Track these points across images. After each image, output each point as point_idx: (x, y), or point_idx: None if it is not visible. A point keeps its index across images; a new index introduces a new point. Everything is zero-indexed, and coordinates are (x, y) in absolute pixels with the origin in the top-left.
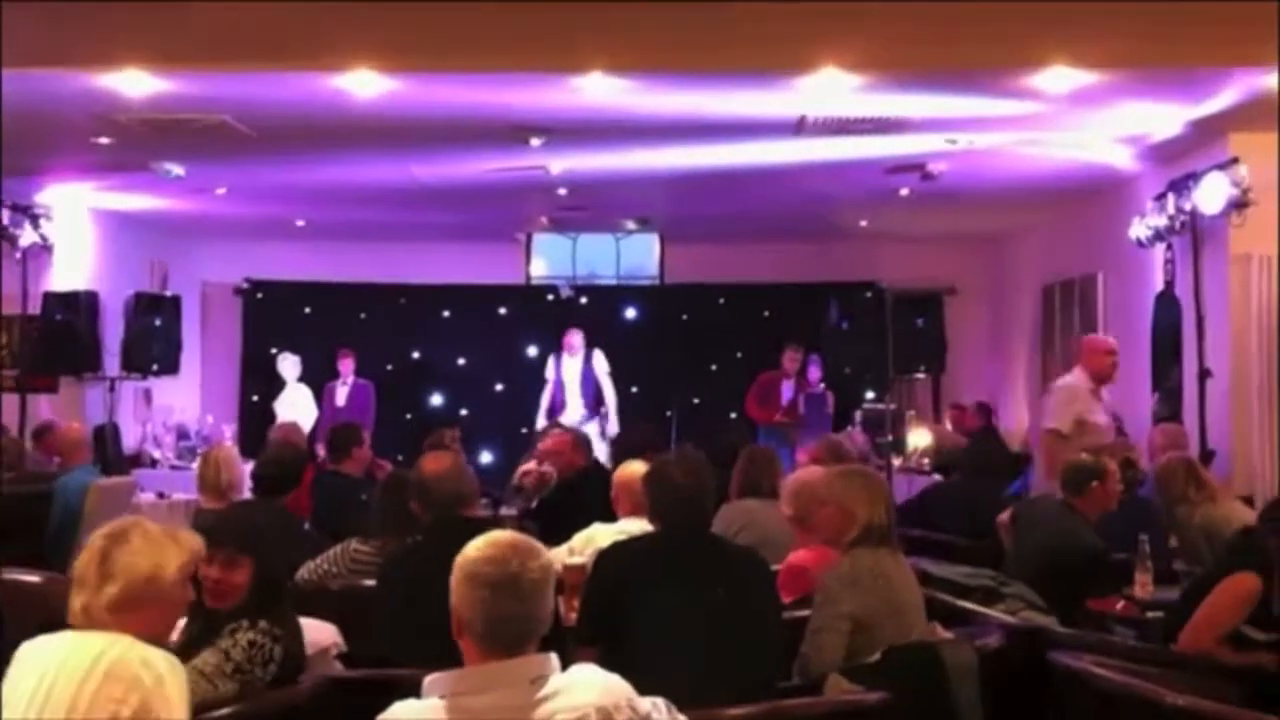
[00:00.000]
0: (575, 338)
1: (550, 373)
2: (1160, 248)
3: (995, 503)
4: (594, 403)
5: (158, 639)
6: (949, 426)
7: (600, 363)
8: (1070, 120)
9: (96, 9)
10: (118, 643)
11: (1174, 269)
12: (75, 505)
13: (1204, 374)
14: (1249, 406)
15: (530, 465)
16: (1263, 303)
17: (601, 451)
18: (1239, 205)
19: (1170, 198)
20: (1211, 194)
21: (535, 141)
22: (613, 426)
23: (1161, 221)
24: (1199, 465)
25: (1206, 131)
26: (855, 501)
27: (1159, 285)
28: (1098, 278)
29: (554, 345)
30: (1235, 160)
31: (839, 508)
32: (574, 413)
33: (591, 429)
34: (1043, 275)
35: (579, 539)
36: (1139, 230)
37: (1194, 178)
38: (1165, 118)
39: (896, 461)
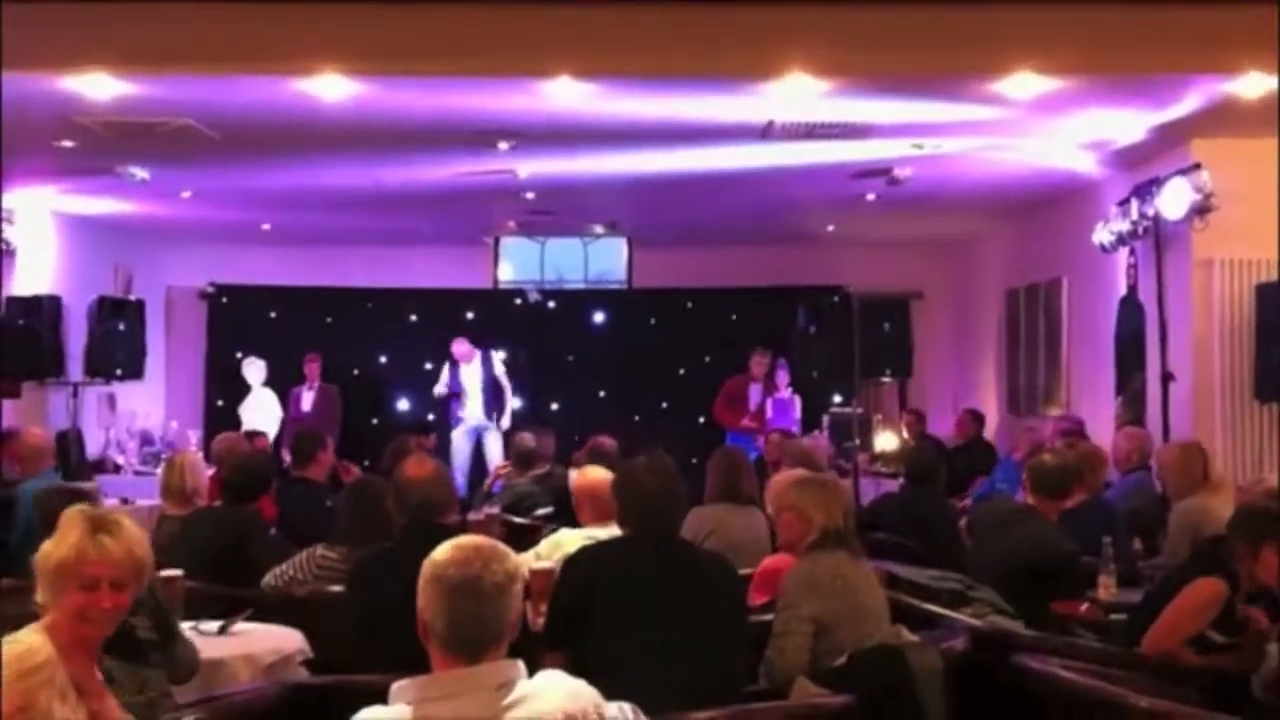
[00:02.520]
0: (463, 346)
1: (445, 382)
2: (1124, 252)
3: (940, 509)
4: (493, 404)
5: None
6: (904, 433)
7: (497, 363)
8: (1035, 126)
9: (58, 11)
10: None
11: (1137, 273)
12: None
13: (1167, 378)
14: (1211, 410)
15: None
16: (1225, 307)
17: (496, 449)
18: (1201, 210)
19: (1133, 203)
20: (1174, 199)
21: (503, 145)
22: (507, 422)
23: (1125, 226)
24: (1206, 452)
25: (1169, 137)
26: (812, 508)
27: (1122, 290)
28: (1062, 282)
29: (523, 349)
30: (1197, 166)
31: (796, 514)
32: (473, 417)
33: (491, 432)
34: (1008, 279)
35: (546, 544)
36: (1103, 235)
37: (1157, 183)
38: (1128, 124)
39: (864, 465)
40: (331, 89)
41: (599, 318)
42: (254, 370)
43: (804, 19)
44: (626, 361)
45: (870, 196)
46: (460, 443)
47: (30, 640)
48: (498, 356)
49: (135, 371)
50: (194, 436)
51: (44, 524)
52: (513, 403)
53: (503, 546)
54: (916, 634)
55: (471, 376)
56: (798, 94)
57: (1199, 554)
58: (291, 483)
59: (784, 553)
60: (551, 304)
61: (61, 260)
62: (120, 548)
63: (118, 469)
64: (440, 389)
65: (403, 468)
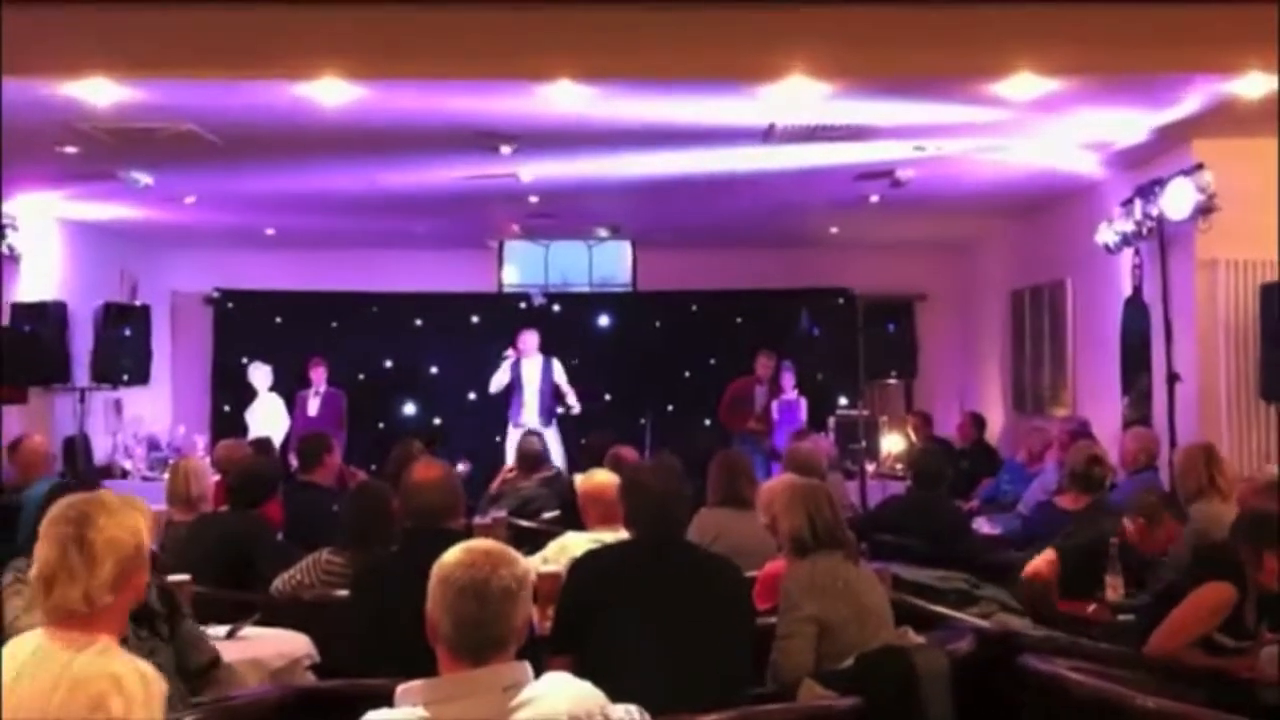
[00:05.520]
0: (530, 339)
1: (506, 375)
2: (1128, 253)
3: (946, 511)
4: (550, 408)
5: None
6: (911, 435)
7: (558, 370)
8: (1036, 127)
9: (59, 16)
10: (87, 650)
11: (1141, 274)
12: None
13: (1172, 378)
14: (1217, 410)
15: (506, 473)
16: (1229, 307)
17: (558, 456)
18: (1205, 210)
19: (1137, 203)
20: (1177, 199)
21: (505, 149)
22: (574, 403)
23: (1129, 227)
24: (1218, 454)
25: (1171, 138)
26: (797, 512)
27: (1127, 290)
28: (1066, 283)
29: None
30: (1200, 166)
31: (783, 519)
32: (530, 416)
33: (550, 435)
34: (1012, 281)
35: (553, 547)
36: (1106, 236)
37: (1160, 184)
38: (1130, 124)
39: (870, 467)
40: (332, 93)
41: (604, 321)
42: (260, 375)
43: (804, 21)
44: (631, 364)
45: (873, 198)
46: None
47: (128, 658)
48: (558, 365)
49: (141, 377)
50: (201, 441)
51: None
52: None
53: (512, 551)
54: (923, 635)
55: (531, 372)
56: (799, 96)
57: (1209, 557)
58: (298, 487)
59: (784, 557)
60: (556, 307)
61: (66, 266)
62: None
63: (125, 474)
64: (498, 383)
65: (410, 471)
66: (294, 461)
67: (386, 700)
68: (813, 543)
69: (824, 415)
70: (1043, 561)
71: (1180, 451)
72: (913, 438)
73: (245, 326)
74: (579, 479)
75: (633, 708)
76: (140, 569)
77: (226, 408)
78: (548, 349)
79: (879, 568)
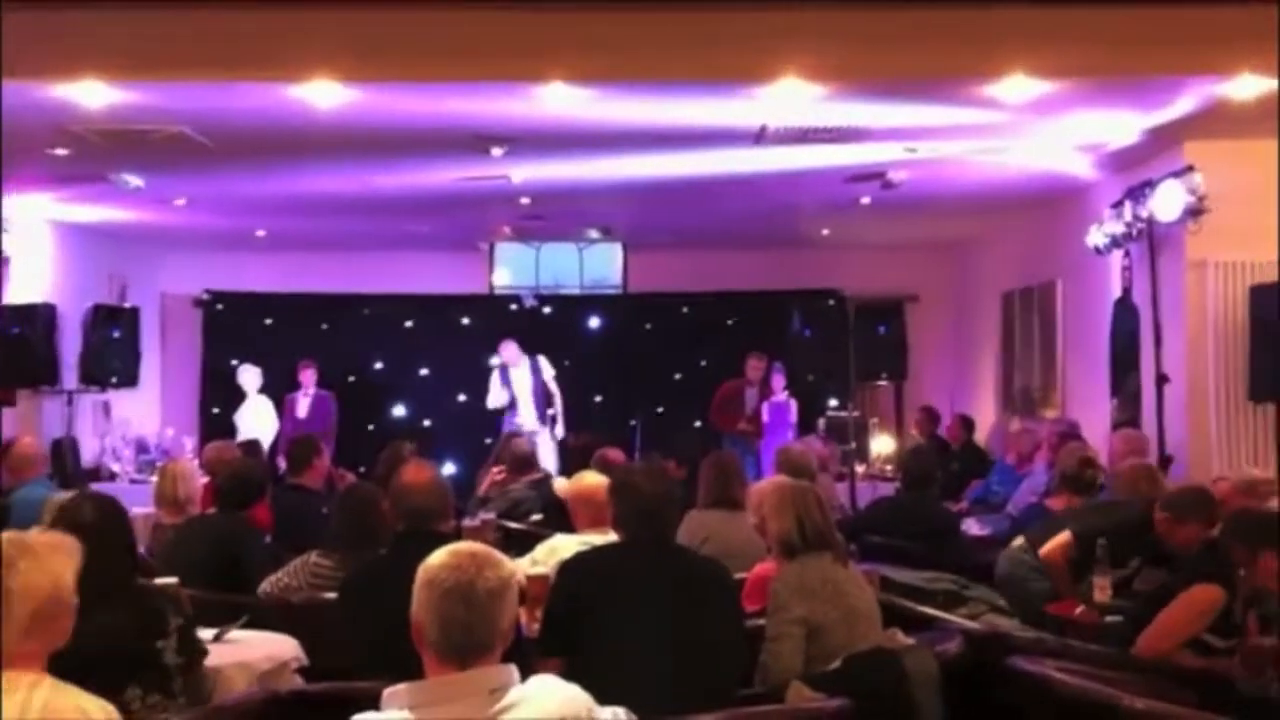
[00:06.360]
0: (511, 348)
1: (504, 393)
2: (1118, 254)
3: (936, 512)
4: (544, 408)
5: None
6: (914, 430)
7: (546, 368)
8: (1028, 129)
9: (51, 19)
10: (37, 688)
11: (1131, 275)
12: (31, 521)
13: (1161, 379)
14: (1206, 412)
15: (495, 475)
16: (1219, 308)
17: (550, 456)
18: (1195, 212)
19: (1127, 205)
20: (1168, 201)
21: (496, 151)
22: (560, 430)
23: (1119, 229)
24: (1159, 473)
25: (1162, 140)
26: (785, 513)
27: (1117, 291)
28: (1057, 284)
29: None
30: (1190, 168)
31: (762, 522)
32: (528, 420)
33: (544, 436)
34: (1003, 282)
35: (542, 549)
36: (1097, 237)
37: (1150, 185)
38: (1122, 126)
39: (860, 469)
40: (324, 95)
41: (594, 322)
42: (249, 377)
43: (797, 23)
44: (622, 366)
45: (865, 200)
46: None
47: (85, 694)
48: (545, 362)
49: (130, 379)
50: (189, 444)
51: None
52: (560, 408)
53: (497, 553)
54: (912, 636)
55: (521, 382)
56: (791, 98)
57: (1198, 558)
58: (287, 490)
59: (773, 558)
60: (547, 309)
61: (56, 268)
62: None
63: (113, 477)
64: (497, 400)
65: (400, 474)
66: (283, 464)
67: (374, 704)
68: (801, 544)
69: (814, 417)
70: (1056, 546)
71: (1123, 471)
72: (915, 433)
73: (235, 328)
74: (562, 482)
75: (620, 710)
76: (60, 614)
77: (215, 410)
78: (535, 349)
79: (867, 569)
